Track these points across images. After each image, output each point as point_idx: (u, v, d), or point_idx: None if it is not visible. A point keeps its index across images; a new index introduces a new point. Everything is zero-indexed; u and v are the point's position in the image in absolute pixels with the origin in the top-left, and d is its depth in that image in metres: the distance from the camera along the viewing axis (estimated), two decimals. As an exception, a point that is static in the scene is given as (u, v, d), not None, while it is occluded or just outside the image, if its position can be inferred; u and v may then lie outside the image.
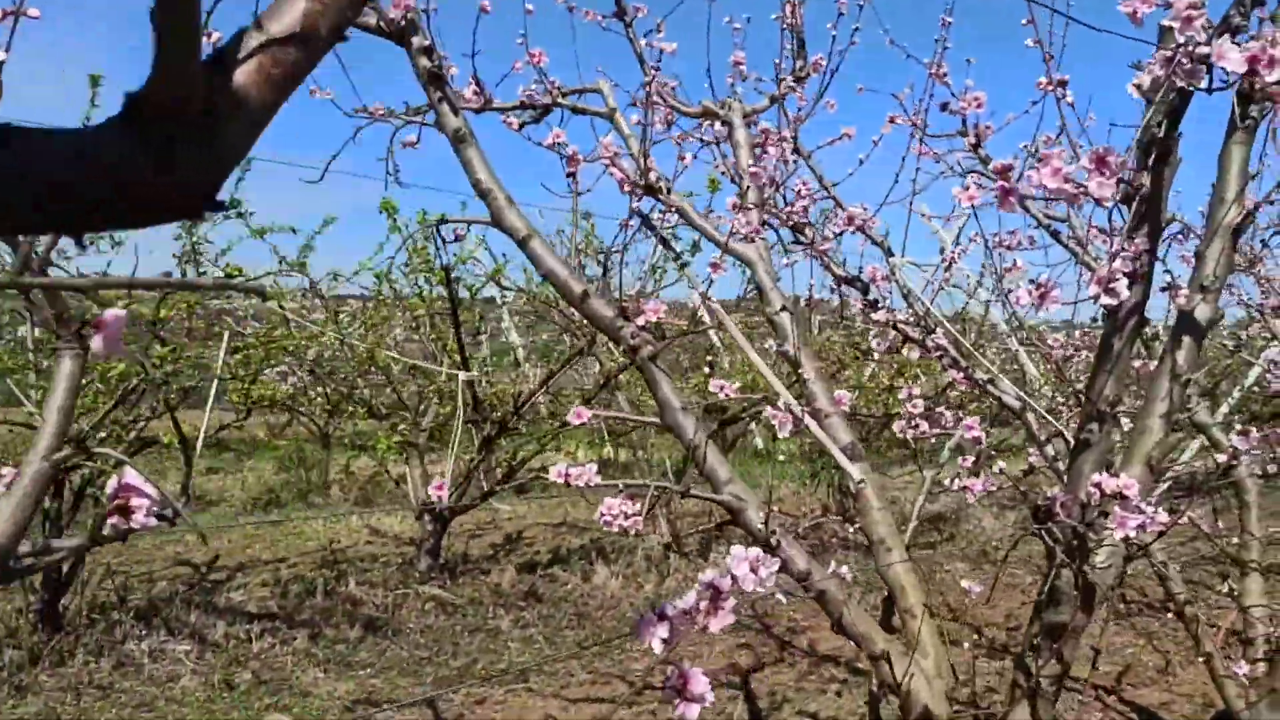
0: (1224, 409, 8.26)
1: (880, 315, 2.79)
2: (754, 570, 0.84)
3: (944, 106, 3.25)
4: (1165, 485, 8.79)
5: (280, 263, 4.11)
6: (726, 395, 1.90)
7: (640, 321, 1.67)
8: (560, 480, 1.51)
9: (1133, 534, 1.37)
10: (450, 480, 4.89)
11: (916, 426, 2.36)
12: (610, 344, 6.08)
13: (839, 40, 2.42)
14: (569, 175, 1.79)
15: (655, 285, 4.93)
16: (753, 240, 2.13)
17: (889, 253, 2.97)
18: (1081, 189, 0.97)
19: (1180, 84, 1.09)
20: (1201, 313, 1.58)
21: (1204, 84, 1.05)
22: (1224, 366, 8.76)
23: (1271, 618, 2.96)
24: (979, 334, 5.87)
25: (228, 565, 5.63)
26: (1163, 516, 1.52)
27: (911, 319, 2.92)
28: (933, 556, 6.50)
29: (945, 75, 3.16)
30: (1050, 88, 1.46)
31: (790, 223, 2.92)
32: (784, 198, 2.85)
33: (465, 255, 4.09)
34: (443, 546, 5.00)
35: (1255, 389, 7.73)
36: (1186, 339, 1.58)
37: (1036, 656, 1.59)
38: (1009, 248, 3.49)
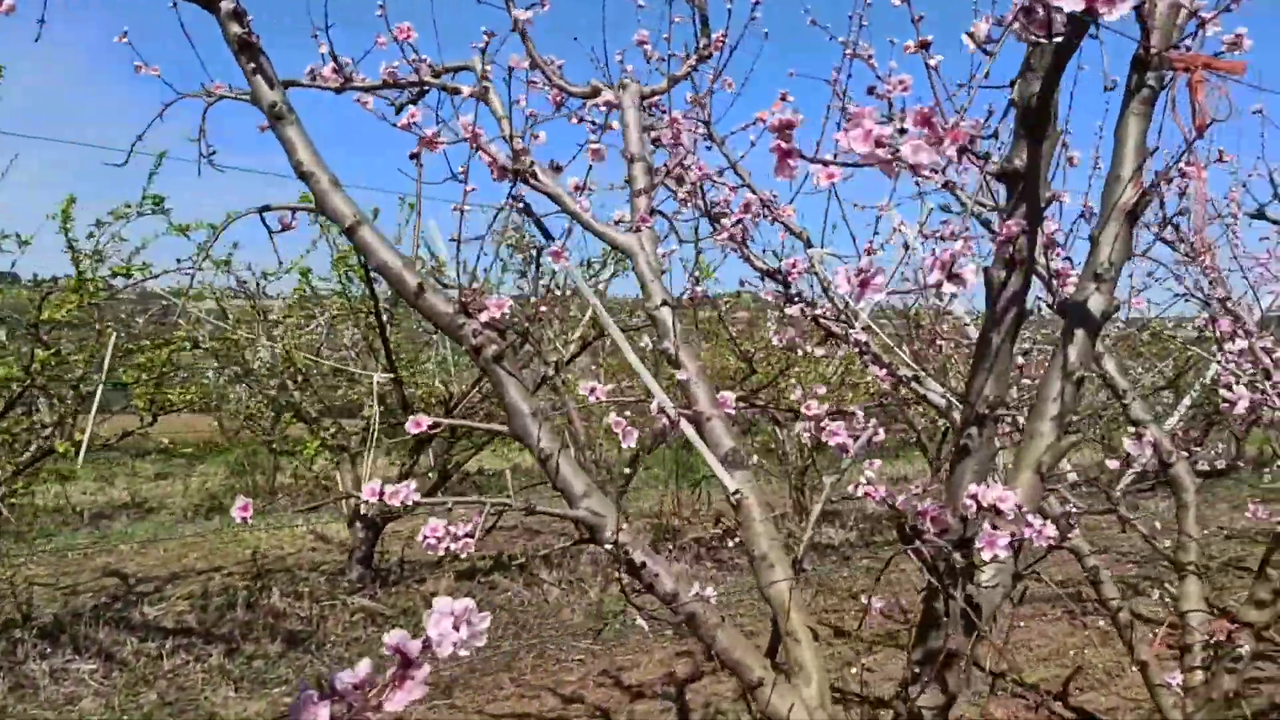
0: (1186, 402, 8.19)
1: (794, 310, 2.64)
2: (457, 627, 0.68)
3: (870, 90, 3.10)
4: (1129, 479, 8.64)
5: (177, 261, 3.91)
6: (597, 398, 1.73)
7: (484, 318, 1.51)
8: (373, 499, 1.34)
9: (1002, 554, 1.21)
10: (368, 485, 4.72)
11: (823, 429, 2.21)
12: (562, 338, 5.90)
13: (737, 15, 2.26)
14: (412, 157, 1.62)
15: (594, 279, 4.75)
16: (639, 229, 1.96)
17: (808, 244, 2.82)
18: (895, 154, 0.82)
19: (1026, 35, 0.94)
20: (1095, 303, 1.43)
21: (1045, 34, 0.89)
22: (1187, 359, 8.69)
23: (1215, 616, 2.81)
24: (931, 327, 5.71)
25: (159, 575, 5.43)
26: (1050, 530, 1.37)
27: (831, 313, 2.77)
28: (890, 556, 6.35)
29: (870, 57, 3.01)
30: (915, 50, 1.31)
31: (710, 212, 2.78)
32: (699, 187, 2.70)
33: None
34: (376, 554, 4.82)
35: (1213, 383, 7.63)
36: (1079, 332, 1.43)
37: (916, 685, 1.43)
38: (941, 238, 3.34)
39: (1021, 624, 4.84)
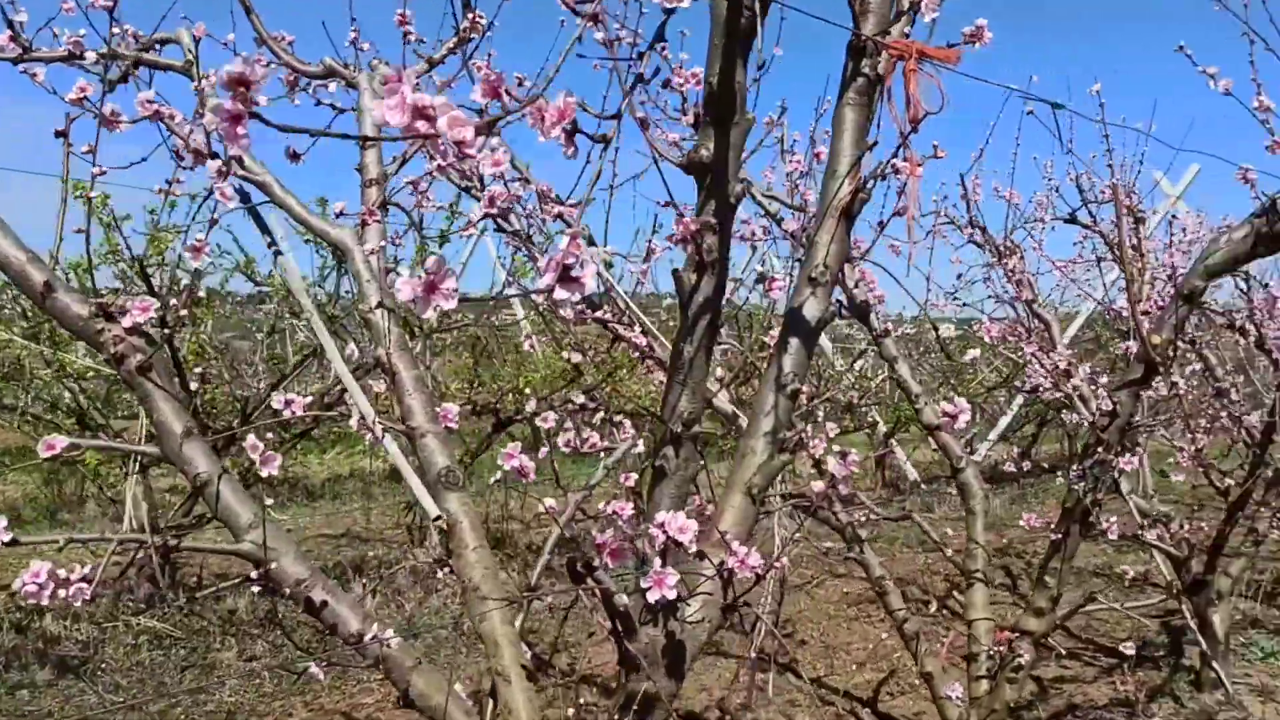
0: (1018, 401, 8.39)
1: (567, 312, 2.50)
2: None
3: (666, 84, 2.98)
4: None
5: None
6: (293, 412, 1.54)
7: (126, 323, 1.30)
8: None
9: (670, 594, 1.08)
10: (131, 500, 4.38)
11: (586, 440, 2.06)
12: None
13: (491, -7, 2.09)
14: (59, 135, 1.39)
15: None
16: (365, 223, 1.78)
17: (591, 242, 2.68)
18: (433, 127, 0.66)
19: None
20: (811, 309, 1.32)
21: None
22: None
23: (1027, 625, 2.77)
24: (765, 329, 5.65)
25: (-68, 598, 4.95)
26: (755, 559, 1.24)
27: (613, 315, 2.64)
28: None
29: (664, 48, 2.90)
30: (587, 23, 1.16)
31: (494, 209, 2.62)
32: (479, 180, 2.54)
33: (163, 244, 3.57)
34: (167, 570, 4.49)
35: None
36: (794, 341, 1.31)
37: (616, 734, 1.29)
38: (743, 238, 3.25)
39: (845, 626, 4.82)
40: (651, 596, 1.07)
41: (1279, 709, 3.58)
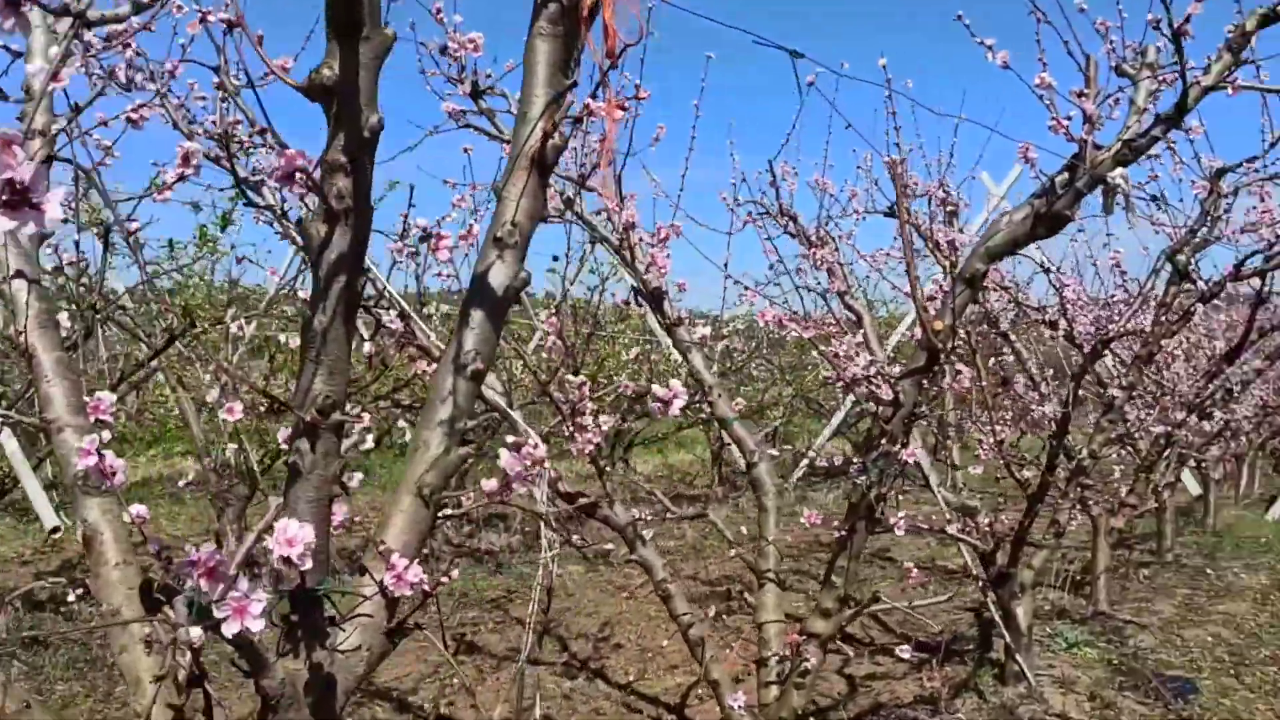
0: (851, 399, 8.45)
1: (305, 294, 2.25)
2: None
3: (443, 49, 2.78)
4: (801, 472, 8.79)
5: None
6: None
7: None
8: None
9: (254, 625, 0.86)
10: None
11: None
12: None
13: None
14: None
15: (170, 267, 4.11)
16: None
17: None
18: None
19: None
20: (498, 275, 1.11)
21: None
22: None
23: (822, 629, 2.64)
24: (595, 322, 5.45)
25: None
26: (415, 574, 1.04)
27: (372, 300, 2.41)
28: (556, 558, 6.07)
29: (439, 11, 2.71)
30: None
31: (246, 180, 2.36)
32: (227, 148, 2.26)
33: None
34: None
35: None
36: (478, 313, 1.11)
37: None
38: (544, 219, 3.04)
39: (664, 628, 4.68)
40: (228, 629, 0.85)
41: (1079, 700, 3.59)
